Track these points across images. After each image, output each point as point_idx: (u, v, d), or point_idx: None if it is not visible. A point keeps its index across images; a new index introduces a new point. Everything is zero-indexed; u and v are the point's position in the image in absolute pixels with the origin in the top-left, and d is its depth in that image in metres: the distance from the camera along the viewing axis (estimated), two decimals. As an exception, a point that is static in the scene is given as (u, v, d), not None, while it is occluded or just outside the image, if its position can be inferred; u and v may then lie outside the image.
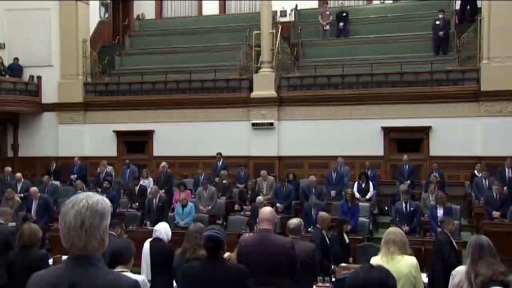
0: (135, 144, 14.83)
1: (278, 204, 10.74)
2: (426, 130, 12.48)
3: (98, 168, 12.97)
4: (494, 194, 9.65)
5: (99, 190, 11.11)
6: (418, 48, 13.88)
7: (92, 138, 14.71)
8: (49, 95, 14.92)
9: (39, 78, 15.08)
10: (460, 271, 3.92)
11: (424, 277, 5.81)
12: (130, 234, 9.20)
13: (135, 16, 18.49)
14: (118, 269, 3.53)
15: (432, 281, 6.28)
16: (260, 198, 10.02)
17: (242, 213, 10.80)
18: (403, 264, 4.01)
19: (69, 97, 14.65)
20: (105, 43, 17.63)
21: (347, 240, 7.64)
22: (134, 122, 14.30)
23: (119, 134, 14.57)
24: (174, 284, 5.32)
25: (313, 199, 9.65)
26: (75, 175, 12.91)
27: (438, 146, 12.35)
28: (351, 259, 7.41)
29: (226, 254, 4.68)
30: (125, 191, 12.18)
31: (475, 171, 11.29)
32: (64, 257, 2.07)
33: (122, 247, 3.80)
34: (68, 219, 1.85)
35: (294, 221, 5.11)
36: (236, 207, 11.39)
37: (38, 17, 14.88)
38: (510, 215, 9.59)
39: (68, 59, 14.81)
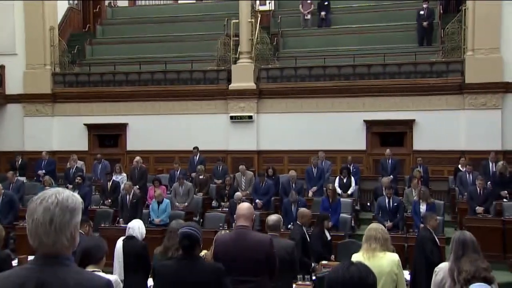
0: (108, 138, 14.68)
1: (257, 200, 10.78)
2: (409, 123, 12.65)
3: (68, 163, 12.81)
4: (478, 189, 9.83)
5: (69, 186, 10.99)
6: (401, 39, 14.02)
7: (61, 132, 14.50)
8: (13, 85, 14.62)
9: (2, 67, 14.76)
10: (443, 268, 4.00)
11: (407, 274, 5.91)
12: (102, 232, 9.17)
13: (106, 3, 18.24)
14: (89, 268, 3.50)
15: (415, 278, 6.38)
16: (238, 194, 10.04)
17: (220, 209, 10.81)
18: (384, 261, 4.07)
19: (35, 88, 14.39)
20: (75, 31, 17.37)
21: (329, 237, 7.71)
22: (106, 115, 14.15)
23: (90, 127, 14.40)
24: (149, 284, 5.31)
25: (293, 195, 9.70)
26: (43, 171, 12.72)
27: (422, 140, 12.53)
28: (332, 257, 7.48)
29: (203, 252, 4.69)
30: (97, 187, 12.06)
31: (459, 166, 11.49)
32: (31, 258, 2.04)
33: (93, 246, 3.77)
34: (36, 216, 1.83)
35: (273, 218, 5.14)
36: (214, 203, 11.39)
37: (1, 2, 14.53)
38: (494, 211, 9.81)
39: (34, 48, 14.52)
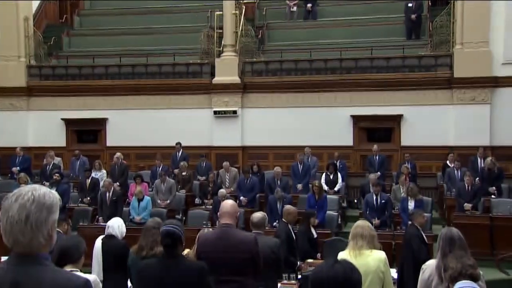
0: (86, 133, 14.56)
1: (241, 197, 10.80)
2: (397, 118, 12.75)
3: (45, 160, 12.68)
4: (466, 185, 9.96)
5: (46, 183, 10.87)
6: (389, 32, 14.11)
7: (37, 127, 14.33)
8: (-16, 78, 14.41)
9: (-28, 59, 14.54)
10: (430, 265, 4.05)
11: (394, 273, 5.97)
12: (81, 231, 9.12)
13: (84, -8, 18.03)
14: (67, 268, 3.48)
15: (402, 275, 6.45)
16: (222, 191, 10.05)
17: (203, 207, 10.81)
18: (371, 259, 4.10)
19: (9, 81, 14.16)
20: (51, 22, 17.12)
21: (315, 235, 7.75)
22: (85, 109, 14.02)
23: (68, 122, 14.26)
24: (129, 284, 5.29)
25: (279, 192, 9.73)
26: (18, 168, 12.57)
27: (410, 136, 12.63)
28: (318, 255, 7.53)
29: (185, 251, 4.70)
30: (75, 185, 11.98)
31: (447, 162, 11.62)
32: (4, 258, 2.03)
33: (71, 245, 3.75)
34: (11, 213, 1.81)
35: (258, 215, 5.15)
36: (197, 200, 11.39)
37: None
38: (482, 207, 9.94)
39: (7, 39, 14.26)
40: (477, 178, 10.57)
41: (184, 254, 4.26)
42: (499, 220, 9.43)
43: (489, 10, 12.18)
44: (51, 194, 1.90)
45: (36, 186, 1.92)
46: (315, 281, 2.12)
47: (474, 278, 3.07)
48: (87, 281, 1.90)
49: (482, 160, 11.13)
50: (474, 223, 9.29)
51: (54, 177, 10.77)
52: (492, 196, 10.26)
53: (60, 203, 1.96)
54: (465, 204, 9.78)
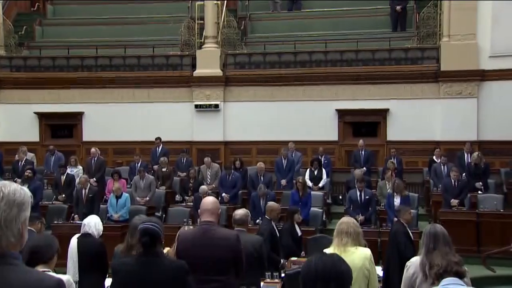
0: (61, 127, 14.46)
1: (223, 194, 10.81)
2: (383, 113, 12.84)
3: (17, 155, 12.51)
4: (452, 181, 10.05)
5: (18, 180, 10.74)
6: (375, 24, 14.20)
7: (8, 121, 14.14)
8: (-48, 70, 14.19)
9: None
10: (414, 262, 4.09)
11: (379, 270, 6.02)
12: (56, 229, 9.03)
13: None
14: (38, 269, 3.44)
15: (388, 273, 6.51)
16: (203, 187, 10.02)
17: (184, 204, 10.81)
18: (356, 256, 4.12)
19: (-22, 72, 14.00)
20: (21, 10, 16.91)
21: (299, 233, 7.78)
22: (59, 103, 13.90)
23: (41, 116, 14.11)
24: (106, 284, 5.26)
25: (262, 188, 9.74)
26: (-13, 164, 12.42)
27: (396, 130, 12.74)
28: (303, 253, 7.55)
29: (165, 250, 4.67)
30: (50, 181, 11.85)
31: (434, 157, 11.74)
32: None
33: (43, 244, 3.71)
34: (-21, 211, 1.79)
35: (240, 212, 5.16)
36: (177, 197, 11.37)
37: None
38: (468, 203, 10.07)
39: (-25, 28, 14.12)
40: (464, 174, 10.69)
41: (164, 252, 4.24)
42: (486, 216, 9.56)
43: (476, 2, 12.29)
44: (22, 191, 1.88)
45: (6, 182, 1.90)
46: (305, 275, 2.14)
47: (460, 275, 3.11)
48: (59, 281, 1.88)
49: (469, 155, 11.25)
50: (460, 219, 9.41)
51: (26, 173, 10.63)
52: (479, 192, 10.39)
53: (32, 201, 1.93)
54: (452, 200, 9.88)
